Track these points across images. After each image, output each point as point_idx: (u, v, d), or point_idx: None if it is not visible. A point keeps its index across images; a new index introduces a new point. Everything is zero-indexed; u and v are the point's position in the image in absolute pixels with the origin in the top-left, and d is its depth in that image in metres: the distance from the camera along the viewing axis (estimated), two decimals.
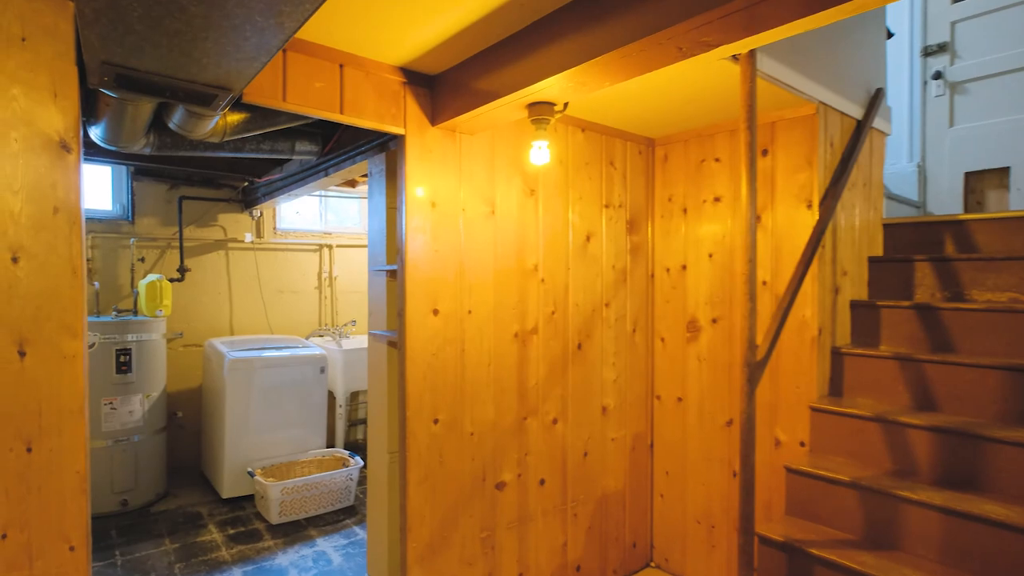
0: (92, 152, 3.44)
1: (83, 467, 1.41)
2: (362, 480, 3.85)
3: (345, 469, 3.52)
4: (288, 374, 3.75)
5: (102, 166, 3.96)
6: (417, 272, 2.02)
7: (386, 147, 2.33)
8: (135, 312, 3.72)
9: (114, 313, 3.62)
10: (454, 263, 2.11)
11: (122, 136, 2.21)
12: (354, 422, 4.79)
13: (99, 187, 4.00)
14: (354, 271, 4.95)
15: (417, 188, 2.02)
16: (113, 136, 2.21)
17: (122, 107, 1.88)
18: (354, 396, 4.73)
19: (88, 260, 3.83)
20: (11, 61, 1.32)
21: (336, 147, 2.90)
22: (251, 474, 3.37)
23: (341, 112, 1.83)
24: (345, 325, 4.72)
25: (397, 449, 2.33)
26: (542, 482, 2.40)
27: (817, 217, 2.18)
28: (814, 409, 2.20)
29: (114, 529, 3.24)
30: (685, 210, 2.67)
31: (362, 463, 3.62)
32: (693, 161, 2.63)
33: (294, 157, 2.91)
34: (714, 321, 2.55)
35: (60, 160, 1.39)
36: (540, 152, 1.84)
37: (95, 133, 2.25)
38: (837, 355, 2.29)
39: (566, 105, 1.83)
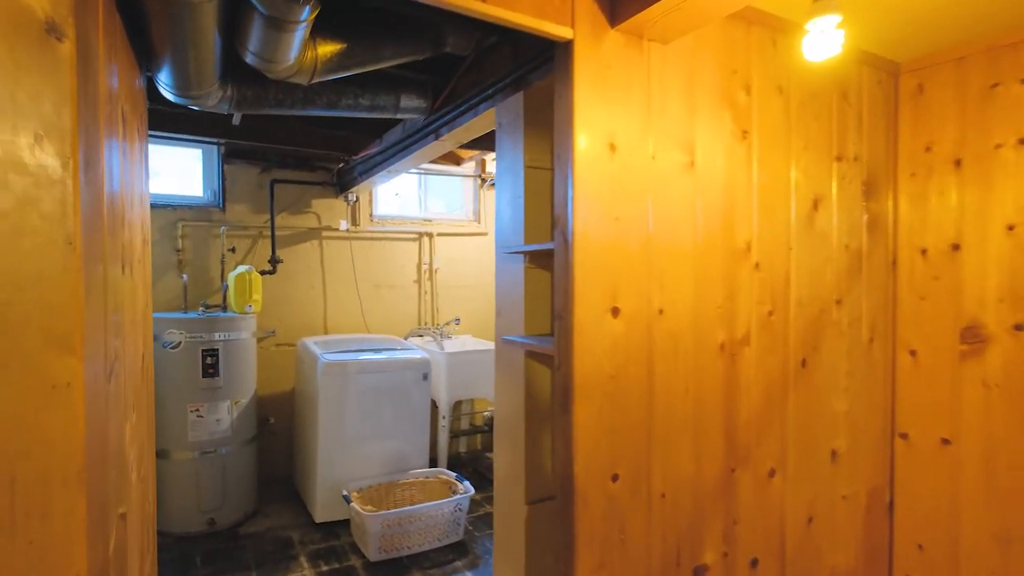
0: (177, 127, 3.08)
1: (83, 569, 0.84)
2: (471, 508, 3.25)
3: (454, 498, 2.93)
4: (387, 380, 3.22)
5: (192, 148, 3.63)
6: (589, 252, 1.32)
7: (523, 83, 1.67)
8: (224, 308, 3.33)
9: (201, 309, 3.24)
10: (638, 240, 1.40)
11: (191, 77, 1.70)
12: (455, 433, 4.22)
13: (190, 171, 3.67)
14: (456, 263, 4.39)
15: (589, 124, 1.33)
16: (181, 78, 1.71)
17: (179, 20, 1.34)
18: (456, 406, 4.16)
19: (178, 250, 3.49)
20: None
21: (448, 100, 2.29)
22: (347, 499, 2.86)
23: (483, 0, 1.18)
24: (447, 324, 4.16)
25: (539, 498, 1.67)
26: (754, 563, 1.64)
27: None
28: None
29: (199, 554, 2.84)
30: (958, 162, 1.80)
31: (472, 490, 3.02)
32: (974, 89, 1.75)
33: (398, 115, 2.33)
34: (1017, 328, 1.67)
35: (47, 54, 0.82)
36: (823, 38, 1.07)
37: (163, 80, 1.77)
38: None
39: None
